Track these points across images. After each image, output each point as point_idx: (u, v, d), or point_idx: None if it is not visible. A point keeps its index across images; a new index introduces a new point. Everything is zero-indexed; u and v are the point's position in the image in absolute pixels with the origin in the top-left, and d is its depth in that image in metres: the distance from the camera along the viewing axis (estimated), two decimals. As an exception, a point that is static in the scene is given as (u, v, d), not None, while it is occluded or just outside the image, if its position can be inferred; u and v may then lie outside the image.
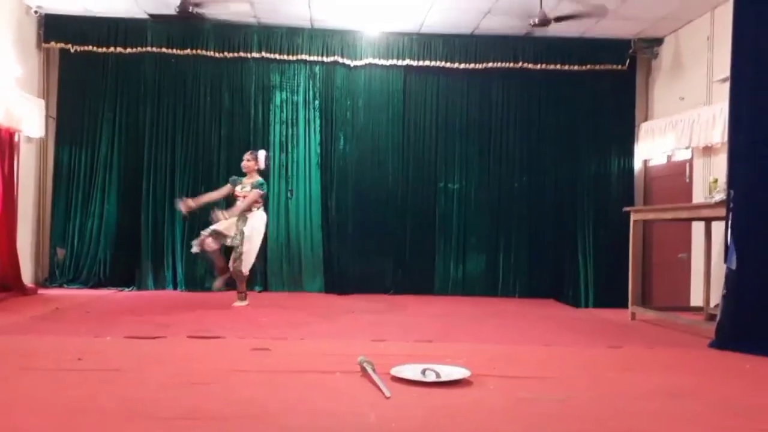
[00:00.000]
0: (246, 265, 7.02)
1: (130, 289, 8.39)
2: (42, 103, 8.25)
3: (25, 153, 8.04)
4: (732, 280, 5.08)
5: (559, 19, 7.69)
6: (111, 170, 8.63)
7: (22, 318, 5.88)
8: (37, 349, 4.42)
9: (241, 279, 7.10)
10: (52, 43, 8.47)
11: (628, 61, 8.78)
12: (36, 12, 8.26)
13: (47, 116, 8.41)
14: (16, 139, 7.66)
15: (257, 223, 7.09)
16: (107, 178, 8.61)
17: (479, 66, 8.81)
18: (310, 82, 8.85)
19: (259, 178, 7.16)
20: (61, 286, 8.37)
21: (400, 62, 8.80)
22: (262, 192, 7.10)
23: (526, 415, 3.09)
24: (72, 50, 8.52)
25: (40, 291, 7.88)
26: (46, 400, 3.12)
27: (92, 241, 8.56)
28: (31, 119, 7.84)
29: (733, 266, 5.04)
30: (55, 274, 8.53)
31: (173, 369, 3.85)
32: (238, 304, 7.08)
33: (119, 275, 8.54)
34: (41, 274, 8.57)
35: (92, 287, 8.35)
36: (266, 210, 7.48)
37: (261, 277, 8.63)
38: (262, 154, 7.29)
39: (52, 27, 8.44)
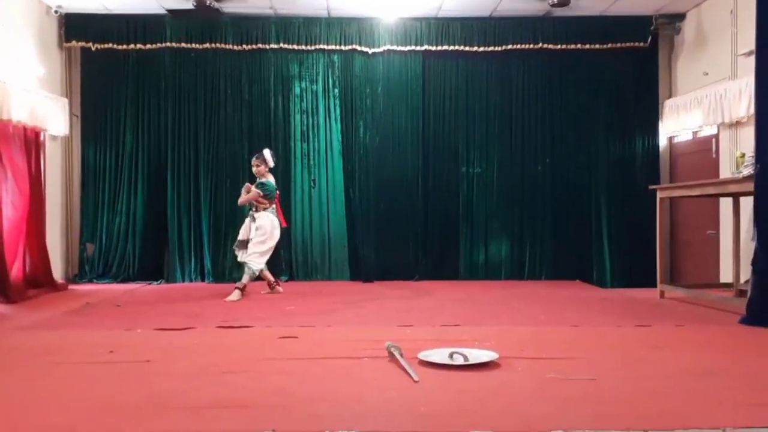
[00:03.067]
0: (254, 262, 6.99)
1: (159, 282, 8.49)
2: (65, 101, 8.34)
3: (50, 151, 8.14)
4: (760, 255, 5.01)
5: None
6: (136, 165, 8.71)
7: (54, 313, 5.98)
8: (69, 343, 4.50)
9: (248, 273, 7.02)
10: (73, 42, 8.55)
11: (650, 38, 8.64)
12: (56, 12, 8.34)
13: (71, 114, 8.51)
14: (41, 138, 7.76)
15: (262, 222, 7.06)
16: (133, 173, 8.70)
17: (498, 48, 8.73)
18: (329, 71, 8.85)
19: (262, 179, 7.15)
20: (90, 281, 8.49)
21: (418, 48, 8.75)
22: (259, 192, 7.05)
23: (556, 396, 3.08)
24: (93, 48, 8.59)
25: (71, 287, 8.00)
26: (78, 394, 3.18)
27: (120, 236, 8.66)
28: (55, 118, 7.94)
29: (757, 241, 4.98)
30: (84, 270, 8.65)
31: (202, 359, 3.90)
32: (229, 298, 6.82)
33: (148, 269, 8.64)
34: (71, 270, 8.69)
35: (121, 281, 8.46)
36: (282, 205, 7.59)
37: (286, 266, 8.68)
38: (267, 153, 7.27)
39: (73, 26, 8.52)
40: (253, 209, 7.14)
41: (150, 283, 8.41)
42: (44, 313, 5.97)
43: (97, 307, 6.44)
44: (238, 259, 7.23)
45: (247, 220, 7.22)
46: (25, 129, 7.30)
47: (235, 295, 6.88)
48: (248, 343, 4.46)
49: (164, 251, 8.66)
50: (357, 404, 2.95)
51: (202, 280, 8.60)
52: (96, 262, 8.65)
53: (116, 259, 8.65)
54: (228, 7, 8.29)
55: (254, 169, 7.21)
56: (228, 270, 8.54)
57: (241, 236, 7.20)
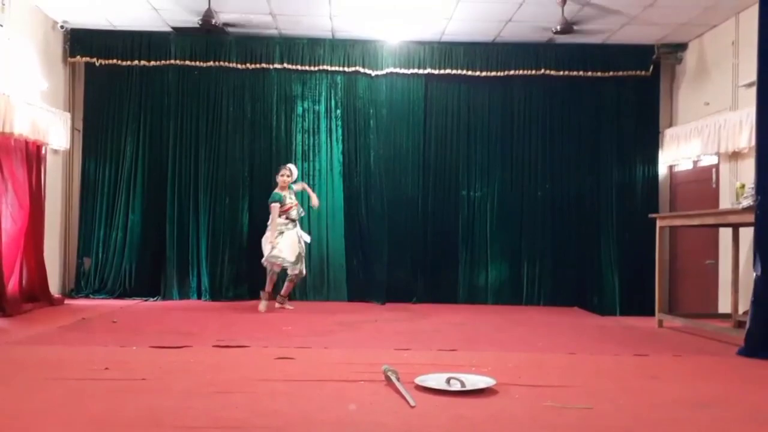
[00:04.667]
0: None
1: (155, 299, 8.45)
2: (68, 116, 8.37)
3: (51, 165, 8.15)
4: (760, 287, 5.00)
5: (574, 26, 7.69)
6: (136, 181, 8.71)
7: (50, 328, 5.95)
8: (64, 359, 4.47)
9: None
10: (78, 57, 8.59)
11: (651, 67, 8.69)
12: (62, 27, 8.39)
13: (73, 129, 8.53)
14: (42, 151, 7.77)
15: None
16: (132, 189, 8.69)
17: (501, 74, 8.77)
18: (332, 92, 8.88)
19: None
20: (87, 296, 8.45)
21: (421, 71, 8.80)
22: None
23: (551, 424, 3.06)
24: (97, 64, 8.63)
25: (67, 301, 7.97)
26: (72, 410, 3.15)
27: (117, 252, 8.63)
28: (57, 132, 7.96)
29: (760, 272, 4.97)
30: (81, 285, 8.62)
31: (198, 378, 3.87)
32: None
33: (144, 285, 8.60)
34: (68, 284, 8.66)
35: (118, 297, 8.42)
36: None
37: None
38: (294, 167, 7.88)
39: (78, 41, 8.57)
40: (297, 219, 7.71)
41: (146, 300, 8.38)
42: (40, 328, 5.94)
43: (92, 322, 6.41)
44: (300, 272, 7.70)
45: (293, 232, 7.60)
46: (26, 142, 7.32)
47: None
48: (244, 363, 4.44)
49: (161, 268, 8.62)
50: (352, 428, 2.93)
51: (199, 297, 8.56)
52: (92, 277, 8.62)
53: (112, 275, 8.61)
54: (233, 27, 8.35)
55: (286, 179, 7.68)
56: (225, 288, 8.53)
57: (295, 254, 7.56)
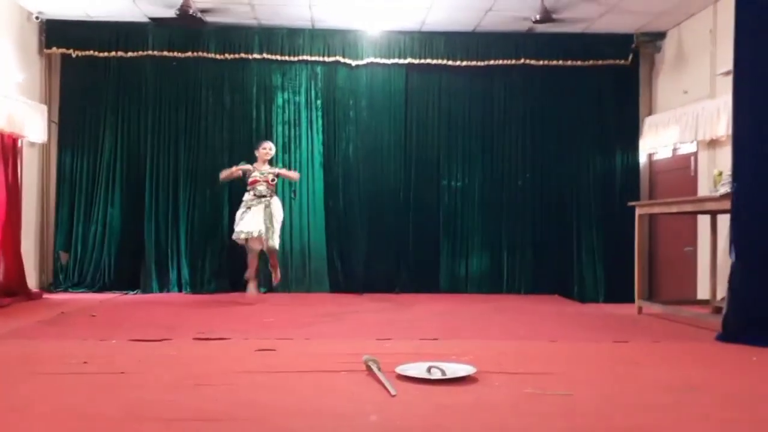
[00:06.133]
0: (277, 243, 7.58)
1: (135, 292, 8.39)
2: (44, 108, 8.26)
3: (28, 158, 8.05)
4: (737, 273, 5.06)
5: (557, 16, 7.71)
6: (114, 173, 8.63)
7: (28, 322, 5.89)
8: (43, 353, 4.42)
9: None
10: (54, 49, 8.47)
11: (630, 56, 8.74)
12: (37, 18, 8.27)
13: (50, 121, 8.42)
14: (19, 144, 7.68)
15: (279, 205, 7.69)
16: (110, 182, 8.61)
17: (481, 63, 8.78)
18: (312, 83, 8.84)
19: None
20: (65, 290, 8.37)
21: (401, 61, 8.78)
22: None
23: (532, 411, 3.07)
24: (73, 55, 8.53)
25: (45, 296, 7.89)
26: (52, 404, 3.12)
27: (96, 245, 8.56)
28: (33, 124, 7.86)
29: (735, 259, 5.03)
30: (59, 279, 8.54)
31: (178, 371, 3.85)
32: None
33: (124, 279, 8.54)
34: (46, 278, 8.57)
35: (97, 291, 8.35)
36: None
37: (265, 279, 8.61)
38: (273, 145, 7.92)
39: (54, 32, 8.45)
40: (269, 195, 7.50)
41: (126, 293, 8.32)
42: (18, 322, 5.86)
43: (71, 316, 6.35)
44: (271, 245, 7.45)
45: (259, 207, 7.39)
46: (2, 135, 7.23)
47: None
48: (225, 355, 4.42)
49: (141, 261, 8.56)
50: (334, 418, 2.92)
51: (179, 290, 8.52)
52: (71, 271, 8.54)
53: (91, 269, 8.54)
54: (211, 17, 8.27)
55: (269, 152, 7.66)
56: (206, 280, 8.48)
57: (261, 225, 7.33)
